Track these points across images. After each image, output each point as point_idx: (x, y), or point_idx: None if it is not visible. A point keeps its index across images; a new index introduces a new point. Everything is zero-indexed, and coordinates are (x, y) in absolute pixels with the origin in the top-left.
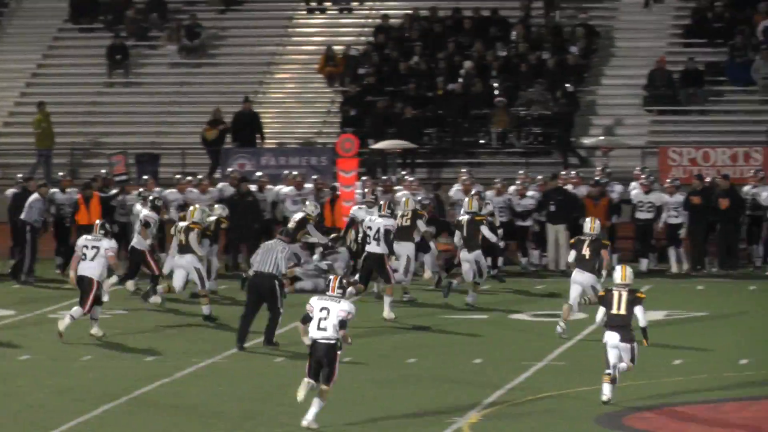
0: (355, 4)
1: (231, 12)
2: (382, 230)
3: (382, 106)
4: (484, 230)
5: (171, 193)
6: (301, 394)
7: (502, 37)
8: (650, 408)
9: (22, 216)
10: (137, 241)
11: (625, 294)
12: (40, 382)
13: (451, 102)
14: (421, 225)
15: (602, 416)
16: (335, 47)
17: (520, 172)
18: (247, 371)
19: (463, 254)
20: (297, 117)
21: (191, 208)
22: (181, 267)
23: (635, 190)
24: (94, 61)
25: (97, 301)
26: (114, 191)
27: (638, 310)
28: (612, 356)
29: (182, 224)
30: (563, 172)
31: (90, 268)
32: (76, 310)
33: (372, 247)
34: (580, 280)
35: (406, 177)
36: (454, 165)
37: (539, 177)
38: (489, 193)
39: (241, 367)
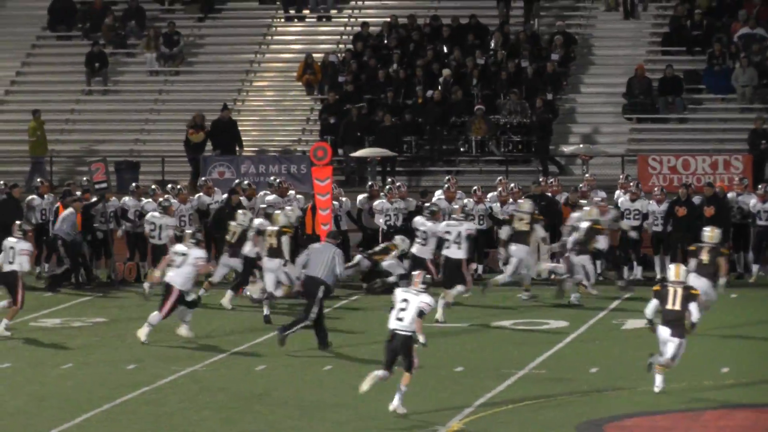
0: (333, 12)
1: (209, 20)
2: (463, 234)
3: (356, 113)
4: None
5: (148, 203)
6: (365, 386)
7: (480, 45)
8: (630, 416)
9: (54, 230)
10: (249, 250)
11: (680, 290)
12: (20, 390)
13: (429, 110)
14: (540, 230)
15: (583, 424)
16: (314, 55)
17: (499, 178)
18: (227, 379)
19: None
20: (276, 125)
21: (275, 212)
22: (270, 270)
23: (621, 198)
24: (72, 68)
25: (191, 304)
26: (94, 199)
27: (693, 306)
28: (669, 349)
29: (273, 228)
30: (542, 180)
31: (175, 275)
32: (154, 316)
33: (451, 252)
34: (697, 285)
35: (399, 185)
36: (434, 173)
37: (512, 185)
38: (468, 201)
39: (221, 375)
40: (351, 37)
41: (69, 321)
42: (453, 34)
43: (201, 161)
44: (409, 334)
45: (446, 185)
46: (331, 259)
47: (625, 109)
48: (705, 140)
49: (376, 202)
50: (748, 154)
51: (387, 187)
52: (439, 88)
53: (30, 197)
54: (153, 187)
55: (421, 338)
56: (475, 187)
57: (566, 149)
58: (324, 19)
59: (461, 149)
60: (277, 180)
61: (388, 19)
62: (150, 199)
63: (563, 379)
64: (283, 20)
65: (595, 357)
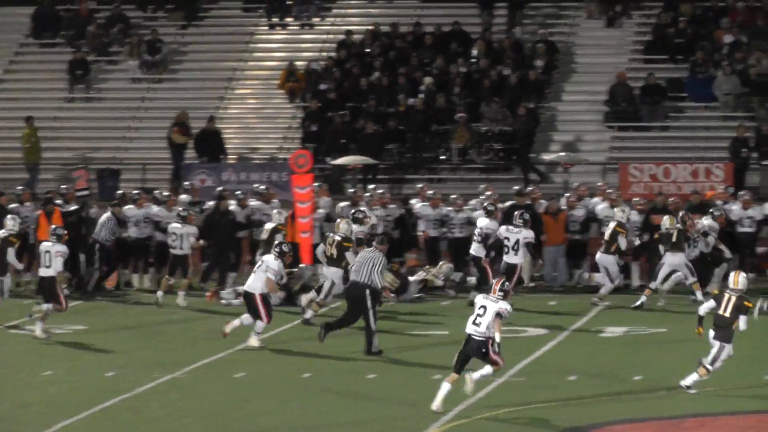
0: (316, 20)
1: (192, 27)
2: (522, 241)
3: (339, 121)
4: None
5: (129, 209)
6: (436, 405)
7: (463, 53)
8: (612, 423)
9: (93, 234)
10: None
11: (734, 299)
12: (2, 396)
13: (412, 118)
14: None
15: (565, 431)
16: (296, 63)
17: (482, 186)
18: (207, 386)
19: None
20: (258, 132)
21: (337, 221)
22: (329, 278)
23: (600, 206)
24: (55, 76)
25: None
26: (75, 207)
27: (742, 318)
28: (711, 351)
29: (337, 237)
30: (530, 188)
31: (253, 281)
32: (259, 324)
33: (510, 257)
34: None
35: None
36: (415, 181)
37: (488, 193)
38: (448, 209)
39: (201, 382)
40: (334, 45)
41: (50, 328)
42: (436, 41)
43: (183, 168)
44: (483, 339)
45: (429, 192)
46: (371, 266)
47: (607, 117)
48: (687, 148)
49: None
50: (729, 163)
51: (368, 194)
52: (421, 95)
53: (12, 205)
54: (135, 192)
55: (497, 337)
56: (454, 196)
57: (547, 157)
58: (307, 27)
59: (442, 157)
60: (262, 187)
61: (371, 27)
62: (132, 206)
63: (543, 387)
64: (266, 28)
65: (575, 364)
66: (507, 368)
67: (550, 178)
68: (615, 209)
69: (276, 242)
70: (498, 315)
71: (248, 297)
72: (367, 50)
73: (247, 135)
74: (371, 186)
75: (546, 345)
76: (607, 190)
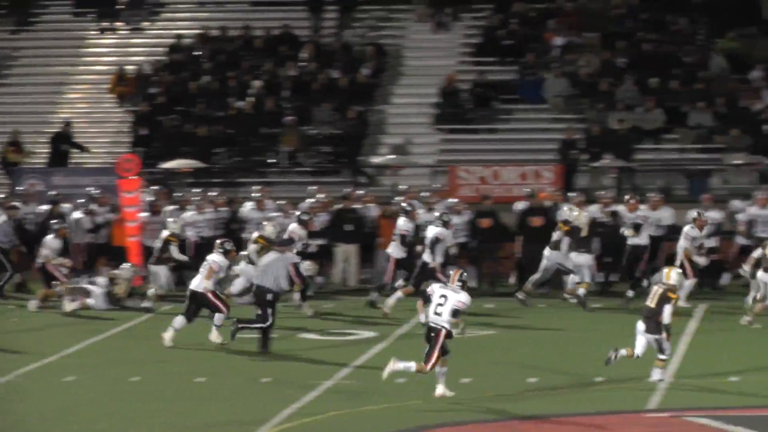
0: (146, 24)
1: (24, 32)
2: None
3: (169, 125)
4: None
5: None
6: (385, 373)
7: (292, 56)
8: (435, 427)
9: None
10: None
11: (660, 290)
12: None
13: (241, 121)
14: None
15: None
16: (127, 67)
17: (313, 188)
18: (37, 391)
19: None
20: (89, 137)
21: (265, 223)
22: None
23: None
24: None
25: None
26: None
27: (666, 308)
28: (638, 343)
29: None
30: (360, 191)
31: (199, 282)
32: (218, 317)
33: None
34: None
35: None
36: (246, 184)
37: (320, 196)
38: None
39: (30, 386)
40: (164, 49)
41: None
42: (265, 45)
43: (13, 173)
44: (439, 328)
45: (257, 194)
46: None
47: (437, 119)
48: (516, 150)
49: (186, 214)
50: (559, 165)
51: (198, 198)
52: (251, 99)
53: None
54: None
55: (454, 331)
56: (283, 202)
57: (376, 160)
58: (137, 31)
59: (270, 161)
60: (96, 192)
61: (201, 31)
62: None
63: (370, 390)
64: (96, 32)
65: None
66: (334, 371)
67: (378, 181)
68: (435, 213)
69: (219, 241)
70: (454, 313)
71: (197, 296)
72: (197, 54)
73: (78, 140)
74: (198, 190)
75: (373, 348)
76: (421, 194)
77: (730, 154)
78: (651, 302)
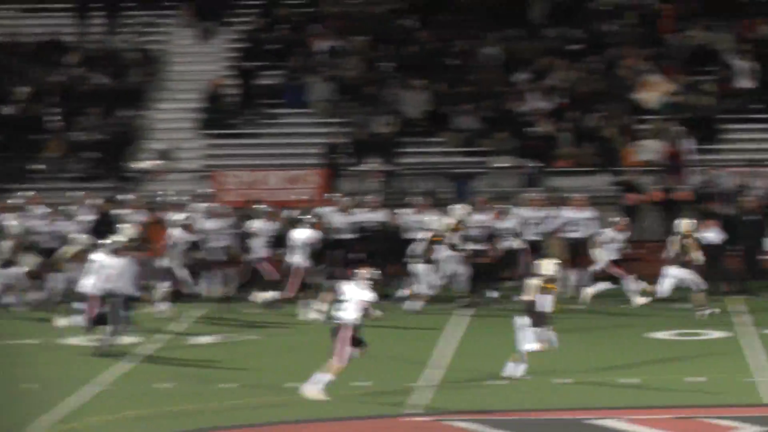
0: None
1: None
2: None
3: None
4: None
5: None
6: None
7: (59, 62)
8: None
9: None
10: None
11: (537, 282)
12: None
13: (6, 127)
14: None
15: None
16: None
17: (76, 194)
18: None
19: None
20: None
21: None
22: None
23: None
24: None
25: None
26: None
27: (547, 298)
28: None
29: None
30: (129, 196)
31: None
32: None
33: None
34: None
35: None
36: (13, 191)
37: (88, 201)
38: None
39: None
40: None
41: None
42: (33, 51)
43: None
44: (340, 323)
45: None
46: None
47: (202, 124)
48: (282, 155)
49: None
50: (324, 169)
51: None
52: (17, 105)
53: None
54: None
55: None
56: (48, 210)
57: (139, 165)
58: None
59: (36, 167)
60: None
61: None
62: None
63: (134, 395)
64: None
65: (168, 374)
66: (93, 376)
67: (143, 186)
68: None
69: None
70: (357, 309)
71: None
72: None
73: None
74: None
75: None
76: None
77: (496, 157)
78: (528, 295)
